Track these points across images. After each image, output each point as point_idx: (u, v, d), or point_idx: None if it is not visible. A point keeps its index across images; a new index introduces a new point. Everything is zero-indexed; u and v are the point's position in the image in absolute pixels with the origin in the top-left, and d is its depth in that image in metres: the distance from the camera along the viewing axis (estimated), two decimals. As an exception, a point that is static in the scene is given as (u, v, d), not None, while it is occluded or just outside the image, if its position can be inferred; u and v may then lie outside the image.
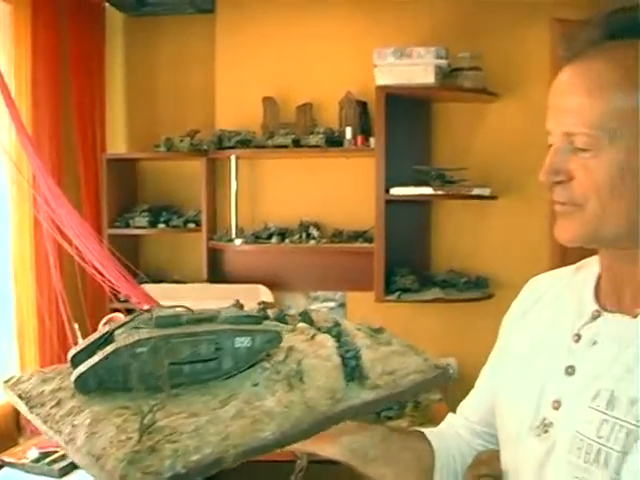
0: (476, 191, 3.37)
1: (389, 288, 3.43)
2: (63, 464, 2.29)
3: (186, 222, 3.70)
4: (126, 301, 3.06)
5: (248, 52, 3.75)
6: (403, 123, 3.47)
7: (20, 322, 3.09)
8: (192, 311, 1.04)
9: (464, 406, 1.28)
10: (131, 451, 0.73)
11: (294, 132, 3.50)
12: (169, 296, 3.22)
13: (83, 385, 0.87)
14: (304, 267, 3.75)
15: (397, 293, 3.40)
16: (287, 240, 3.57)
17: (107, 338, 0.93)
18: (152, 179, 3.96)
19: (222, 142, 3.59)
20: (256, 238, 3.59)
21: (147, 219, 3.65)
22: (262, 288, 3.58)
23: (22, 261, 3.08)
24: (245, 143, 3.53)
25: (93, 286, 3.13)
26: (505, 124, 3.56)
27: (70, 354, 0.92)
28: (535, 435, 1.00)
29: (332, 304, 3.79)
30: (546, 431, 0.99)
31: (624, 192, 0.91)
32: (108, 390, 0.85)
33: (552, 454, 0.97)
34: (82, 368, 0.87)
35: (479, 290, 3.49)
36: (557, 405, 0.98)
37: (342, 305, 3.78)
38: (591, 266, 1.07)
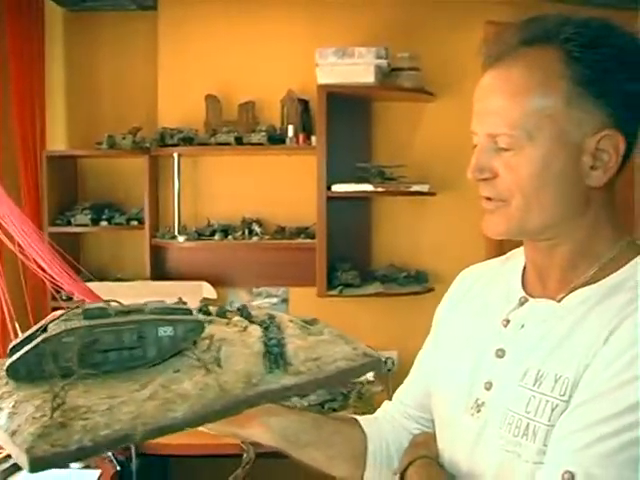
0: (415, 187, 3.45)
1: (331, 283, 3.48)
2: (6, 465, 2.27)
3: (129, 220, 3.67)
4: (69, 299, 3.05)
5: (191, 50, 3.74)
6: (344, 121, 3.53)
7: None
8: (122, 305, 1.10)
9: (400, 392, 1.34)
10: (41, 426, 0.79)
11: (237, 130, 3.51)
12: (112, 294, 3.16)
13: (14, 373, 0.91)
14: (247, 263, 3.77)
15: (339, 288, 3.45)
16: (230, 237, 3.57)
17: (43, 330, 0.98)
18: (94, 176, 3.91)
19: (164, 140, 3.57)
20: (199, 235, 3.59)
21: (89, 217, 3.60)
22: (205, 285, 3.59)
23: None
24: (188, 141, 3.52)
25: (35, 284, 3.11)
26: (442, 123, 3.64)
27: (10, 346, 0.96)
28: (469, 415, 1.07)
29: (275, 300, 3.81)
30: (479, 410, 1.05)
31: (545, 188, 0.97)
32: (37, 377, 0.90)
33: (485, 431, 1.03)
34: (13, 358, 0.92)
35: (419, 284, 3.56)
36: (489, 386, 1.05)
37: (285, 300, 3.81)
38: (518, 256, 1.15)
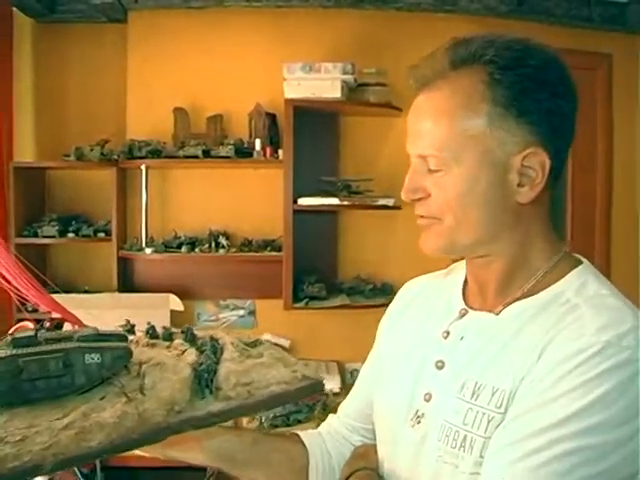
0: (381, 201, 3.48)
1: (297, 295, 3.49)
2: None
3: (96, 231, 3.66)
4: (35, 310, 3.02)
5: (160, 63, 3.75)
6: (311, 135, 3.57)
7: None
8: (53, 332, 1.11)
9: (344, 405, 1.36)
10: None
11: (205, 143, 3.52)
12: (79, 306, 3.10)
13: None
14: (214, 276, 3.77)
15: (305, 300, 3.47)
16: (197, 249, 3.57)
17: None
18: (61, 188, 3.89)
19: (133, 152, 3.57)
20: (166, 247, 3.59)
21: (56, 228, 3.58)
22: (172, 297, 3.58)
23: None
24: (156, 153, 3.53)
25: (0, 295, 3.09)
26: (409, 137, 3.66)
27: None
28: (410, 426, 1.08)
29: (242, 312, 3.82)
30: (419, 422, 1.07)
31: (473, 206, 1.00)
32: None
33: (424, 442, 1.05)
34: None
35: (384, 296, 3.56)
36: (428, 397, 1.07)
37: (252, 313, 3.81)
38: (459, 270, 1.18)
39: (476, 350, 1.03)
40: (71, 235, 3.63)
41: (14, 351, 0.95)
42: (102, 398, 0.95)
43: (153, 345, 1.18)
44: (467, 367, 1.02)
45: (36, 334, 1.02)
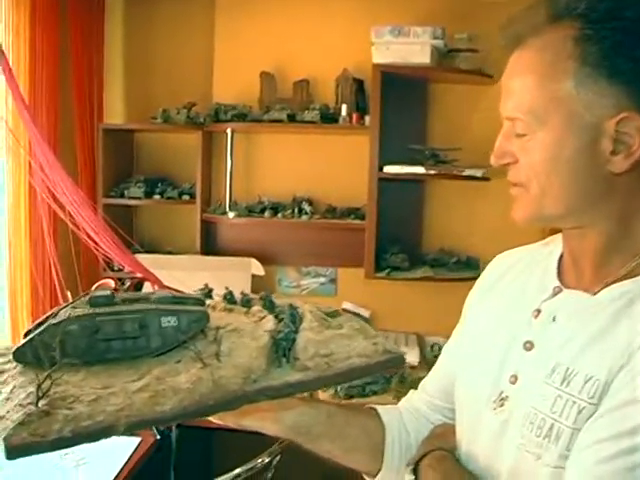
0: (469, 172, 3.37)
1: (379, 265, 3.44)
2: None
3: (181, 194, 3.68)
4: (120, 270, 3.07)
5: (247, 26, 3.73)
6: (399, 102, 3.47)
7: (13, 290, 3.09)
8: (130, 293, 1.10)
9: (425, 382, 1.29)
10: (25, 414, 0.79)
11: (290, 107, 3.49)
12: (162, 267, 3.18)
13: (20, 358, 0.92)
14: (296, 242, 3.76)
15: (387, 270, 3.41)
16: (280, 215, 3.56)
17: (54, 316, 0.99)
18: (148, 150, 3.93)
19: (218, 115, 3.57)
20: (249, 212, 3.59)
21: (142, 190, 3.63)
22: (254, 261, 3.58)
23: (17, 229, 3.07)
24: (241, 117, 3.52)
25: (87, 255, 3.14)
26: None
27: (25, 331, 0.97)
28: (491, 409, 1.02)
29: (323, 279, 3.80)
30: (502, 405, 1.00)
31: (558, 173, 0.93)
32: (43, 363, 0.89)
33: (507, 428, 0.99)
34: (21, 343, 0.92)
35: (469, 270, 3.49)
36: (514, 379, 1.00)
37: (333, 280, 3.79)
38: (557, 243, 1.09)
39: (569, 333, 0.95)
40: (156, 197, 3.67)
41: (91, 310, 0.95)
42: (177, 362, 0.94)
43: (230, 310, 1.16)
44: (558, 351, 0.95)
45: (113, 294, 1.02)
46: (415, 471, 1.09)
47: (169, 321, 0.96)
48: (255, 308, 1.12)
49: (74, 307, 0.99)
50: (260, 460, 2.51)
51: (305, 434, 1.11)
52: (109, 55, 3.81)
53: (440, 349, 3.66)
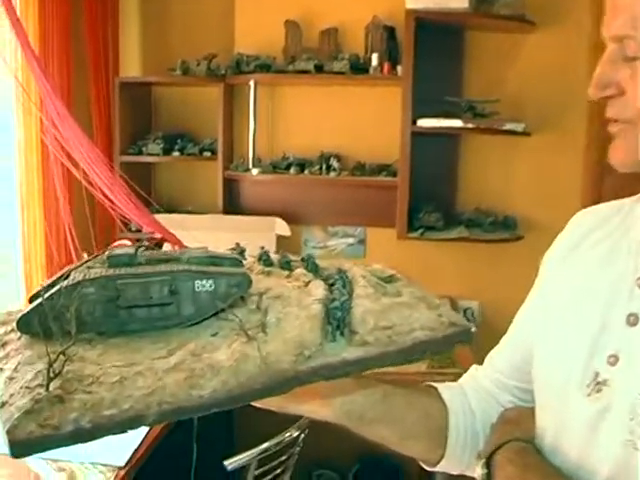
0: (508, 126, 3.18)
1: (412, 225, 3.30)
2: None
3: (202, 150, 3.54)
4: (138, 231, 2.92)
5: (271, -29, 3.52)
6: (433, 51, 3.26)
7: (27, 252, 2.99)
8: (156, 251, 0.94)
9: (493, 356, 1.12)
10: (33, 399, 0.64)
11: (317, 58, 3.32)
12: (182, 227, 3.05)
13: (26, 327, 0.79)
14: (323, 200, 3.61)
15: (420, 230, 3.26)
16: (306, 171, 3.42)
17: (65, 278, 0.85)
18: (167, 105, 3.79)
19: (240, 66, 3.41)
20: (274, 168, 3.46)
21: (161, 146, 3.49)
22: (279, 221, 3.46)
23: (30, 189, 2.95)
24: (264, 68, 3.35)
25: (103, 215, 3.01)
26: (543, 56, 3.33)
27: (30, 295, 0.85)
28: (585, 395, 0.84)
29: (351, 240, 3.66)
30: (599, 390, 0.83)
31: None
32: (53, 334, 0.75)
33: (606, 418, 0.81)
34: (26, 309, 0.79)
35: (506, 231, 3.33)
36: (614, 360, 0.82)
37: (362, 241, 3.65)
38: None
39: None
40: (176, 154, 3.54)
41: (110, 271, 0.82)
42: (214, 334, 0.80)
43: (269, 274, 1.02)
44: None
45: (136, 252, 0.88)
46: (488, 464, 0.93)
47: (204, 285, 0.83)
48: (298, 271, 0.99)
49: (89, 267, 0.85)
50: (288, 434, 2.38)
51: (358, 419, 0.97)
52: (124, 3, 3.65)
53: (474, 314, 3.56)
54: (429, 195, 3.39)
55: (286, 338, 0.78)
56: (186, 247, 2.63)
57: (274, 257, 1.07)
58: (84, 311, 0.78)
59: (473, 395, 1.09)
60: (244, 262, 0.99)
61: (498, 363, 1.09)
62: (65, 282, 0.81)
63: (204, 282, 0.83)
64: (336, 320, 0.82)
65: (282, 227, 3.45)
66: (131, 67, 3.75)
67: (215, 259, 0.90)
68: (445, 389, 1.09)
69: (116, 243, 2.30)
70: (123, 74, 3.63)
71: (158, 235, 2.60)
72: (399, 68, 3.24)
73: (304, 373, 0.75)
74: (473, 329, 0.87)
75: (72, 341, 0.71)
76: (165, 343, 0.78)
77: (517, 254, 3.27)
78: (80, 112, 3.34)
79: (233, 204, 3.67)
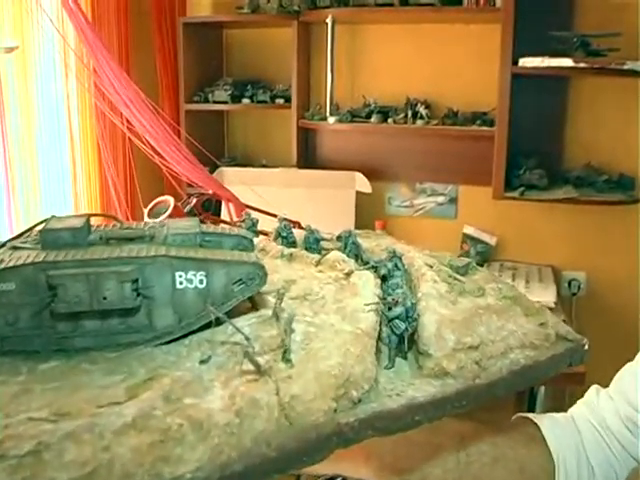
0: (629, 65, 2.73)
1: (511, 183, 2.96)
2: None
3: (274, 97, 3.28)
4: (190, 186, 2.66)
5: None
6: (539, -24, 2.87)
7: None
8: (120, 222, 0.63)
9: (626, 379, 0.82)
10: None
11: None
12: (253, 182, 2.83)
13: None
14: (409, 153, 3.30)
15: (520, 189, 2.91)
16: (390, 120, 3.12)
17: None
18: (239, 49, 3.55)
19: (316, 1, 3.11)
20: (353, 116, 3.17)
21: (229, 93, 3.24)
22: (359, 176, 3.18)
23: (84, 149, 2.75)
24: (343, 2, 3.04)
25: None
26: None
27: None
28: None
29: (441, 199, 3.34)
30: None
31: None
32: None
33: None
34: None
35: (622, 192, 2.93)
36: None
37: (453, 200, 3.32)
38: None
39: None
40: (246, 101, 3.30)
41: (42, 255, 0.58)
42: (204, 361, 0.56)
43: (291, 258, 0.80)
44: None
45: (88, 225, 0.63)
46: None
47: (190, 279, 0.59)
48: (333, 255, 0.77)
49: (14, 247, 0.62)
50: None
51: None
52: None
53: (580, 287, 3.15)
54: (531, 148, 3.05)
55: (320, 371, 0.53)
56: (245, 206, 2.18)
57: (297, 233, 0.84)
58: (1, 319, 0.56)
59: (591, 439, 0.79)
60: (254, 241, 0.71)
61: (630, 392, 0.76)
62: None
63: (190, 275, 0.58)
64: (398, 337, 0.59)
65: (363, 183, 3.18)
66: (201, 7, 3.53)
67: (210, 238, 0.64)
68: (550, 428, 0.80)
69: (158, 199, 2.01)
70: (191, 14, 3.40)
71: (210, 191, 2.21)
72: (498, -1, 2.87)
73: (350, 428, 0.52)
74: (586, 346, 0.68)
75: None
76: (124, 375, 0.53)
77: (632, 218, 2.86)
78: (142, 58, 3.13)
79: (309, 157, 3.44)
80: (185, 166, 2.17)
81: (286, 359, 0.54)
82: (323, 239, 0.84)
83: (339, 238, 0.82)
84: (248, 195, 2.44)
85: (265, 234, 0.93)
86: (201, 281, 0.58)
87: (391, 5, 2.94)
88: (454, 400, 0.57)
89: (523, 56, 2.79)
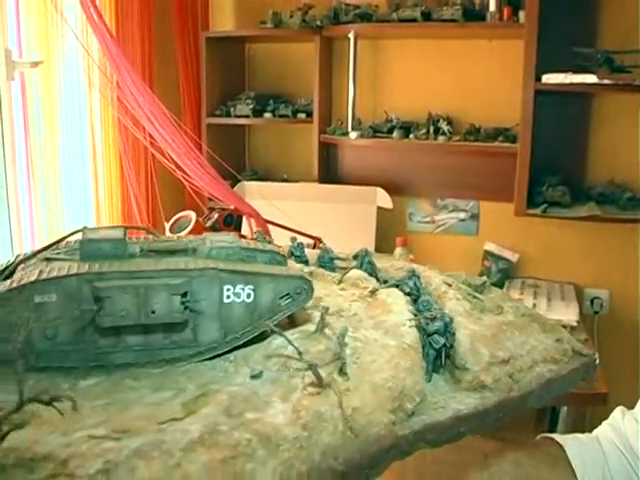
0: (654, 82, 2.69)
1: (533, 200, 2.91)
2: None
3: (296, 112, 3.28)
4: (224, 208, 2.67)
5: None
6: (563, -8, 2.84)
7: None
8: (156, 236, 0.62)
9: None
10: None
11: (425, 4, 2.95)
12: (275, 196, 2.83)
13: None
14: (431, 169, 3.28)
15: (543, 206, 2.86)
16: (412, 135, 3.10)
17: (7, 276, 0.59)
18: (261, 63, 3.55)
19: (339, 17, 3.09)
20: (375, 132, 3.15)
21: (251, 107, 3.24)
22: (380, 191, 3.16)
23: (107, 163, 2.76)
24: (365, 18, 3.02)
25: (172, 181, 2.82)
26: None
27: None
28: None
29: (463, 215, 3.31)
30: None
31: None
32: None
33: None
34: None
35: (647, 209, 2.89)
36: None
37: (474, 216, 3.29)
38: None
39: None
40: (268, 115, 3.31)
41: (85, 266, 0.56)
42: (256, 376, 0.54)
43: (311, 276, 0.76)
44: None
45: (125, 236, 0.61)
46: None
47: (239, 293, 0.58)
48: (354, 274, 0.77)
49: (49, 259, 0.59)
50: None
51: None
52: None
53: (603, 305, 3.11)
54: (554, 165, 3.01)
55: (375, 383, 0.54)
56: (267, 221, 2.17)
57: (310, 253, 0.84)
58: (39, 333, 0.53)
59: (616, 461, 0.79)
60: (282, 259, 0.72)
61: None
62: (9, 282, 0.54)
63: (239, 288, 0.57)
64: (436, 351, 0.61)
65: (384, 198, 3.17)
66: (224, 21, 3.54)
67: (244, 252, 0.63)
68: (575, 449, 0.79)
69: (180, 214, 2.02)
70: (214, 29, 3.41)
71: (232, 206, 2.22)
72: (521, 14, 2.83)
73: (406, 440, 0.52)
74: (597, 360, 0.72)
75: (20, 400, 0.45)
76: (174, 391, 0.52)
77: (658, 237, 2.83)
78: (166, 71, 3.13)
79: (330, 172, 3.42)
80: (207, 181, 2.17)
81: (343, 372, 0.53)
82: (338, 258, 0.84)
83: (356, 257, 0.83)
84: (269, 209, 2.44)
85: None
86: (249, 295, 0.57)
87: (414, 21, 2.91)
88: (493, 412, 0.58)
89: (546, 72, 2.76)
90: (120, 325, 0.54)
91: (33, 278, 0.53)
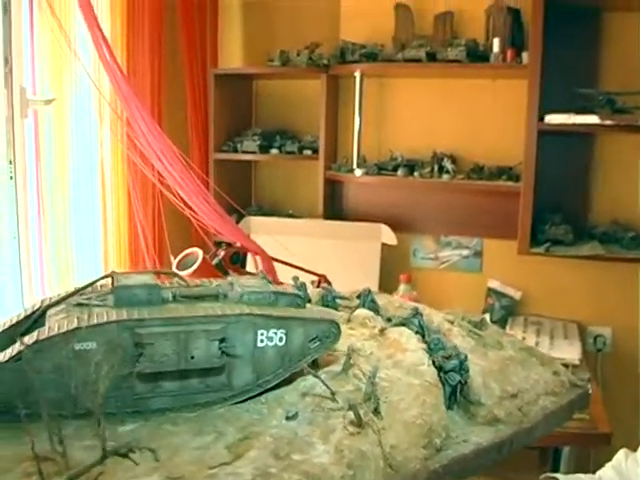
0: (655, 123, 2.72)
1: (536, 238, 2.94)
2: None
3: (302, 148, 3.30)
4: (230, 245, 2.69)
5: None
6: (564, 35, 2.86)
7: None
8: (186, 282, 0.64)
9: None
10: None
11: (430, 45, 2.99)
12: (280, 232, 2.85)
13: None
14: (435, 206, 3.31)
15: (546, 245, 2.89)
16: (416, 173, 3.12)
17: (36, 321, 0.59)
18: (268, 100, 3.58)
19: (345, 56, 3.14)
20: (380, 169, 3.19)
21: (257, 143, 3.26)
22: (384, 228, 3.19)
23: (115, 199, 2.79)
24: (371, 57, 3.07)
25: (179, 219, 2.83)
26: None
27: None
28: None
29: (466, 252, 3.33)
30: None
31: None
32: (20, 416, 0.51)
33: None
34: None
35: (649, 248, 2.89)
36: None
37: (478, 254, 3.30)
38: None
39: None
40: (274, 151, 3.32)
41: (123, 313, 0.56)
42: (292, 417, 0.56)
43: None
44: None
45: (157, 283, 0.63)
46: None
47: (271, 337, 0.60)
48: (361, 313, 0.80)
49: (80, 304, 0.59)
50: None
51: None
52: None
53: (606, 343, 3.12)
54: (557, 204, 3.04)
55: (406, 421, 0.57)
56: (273, 259, 2.21)
57: (313, 292, 0.88)
58: (75, 379, 0.54)
59: None
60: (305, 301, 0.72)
61: None
62: (45, 329, 0.53)
63: (272, 333, 0.59)
64: (452, 388, 0.63)
65: (388, 235, 3.19)
66: (232, 59, 3.56)
67: (273, 296, 0.64)
68: None
69: (186, 251, 2.04)
70: (223, 66, 3.44)
71: (238, 244, 2.25)
72: (524, 55, 2.87)
73: (436, 474, 0.55)
74: (590, 391, 0.77)
75: (103, 454, 0.45)
76: (214, 435, 0.52)
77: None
78: (175, 107, 3.16)
79: (335, 208, 3.44)
80: (213, 218, 2.20)
81: (377, 412, 0.55)
82: (340, 297, 0.86)
83: (359, 296, 0.85)
84: (274, 245, 2.46)
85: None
86: (281, 339, 0.59)
87: (419, 61, 2.94)
88: (507, 444, 0.61)
89: (549, 112, 2.80)
90: (159, 371, 0.55)
91: (73, 326, 0.54)
